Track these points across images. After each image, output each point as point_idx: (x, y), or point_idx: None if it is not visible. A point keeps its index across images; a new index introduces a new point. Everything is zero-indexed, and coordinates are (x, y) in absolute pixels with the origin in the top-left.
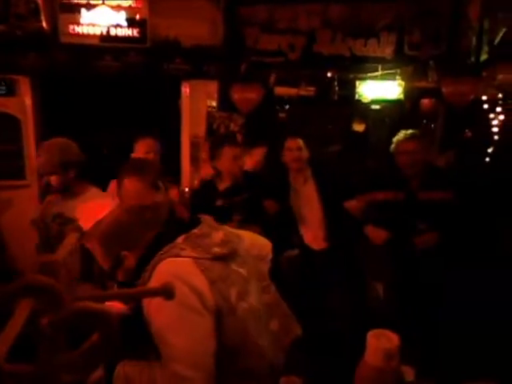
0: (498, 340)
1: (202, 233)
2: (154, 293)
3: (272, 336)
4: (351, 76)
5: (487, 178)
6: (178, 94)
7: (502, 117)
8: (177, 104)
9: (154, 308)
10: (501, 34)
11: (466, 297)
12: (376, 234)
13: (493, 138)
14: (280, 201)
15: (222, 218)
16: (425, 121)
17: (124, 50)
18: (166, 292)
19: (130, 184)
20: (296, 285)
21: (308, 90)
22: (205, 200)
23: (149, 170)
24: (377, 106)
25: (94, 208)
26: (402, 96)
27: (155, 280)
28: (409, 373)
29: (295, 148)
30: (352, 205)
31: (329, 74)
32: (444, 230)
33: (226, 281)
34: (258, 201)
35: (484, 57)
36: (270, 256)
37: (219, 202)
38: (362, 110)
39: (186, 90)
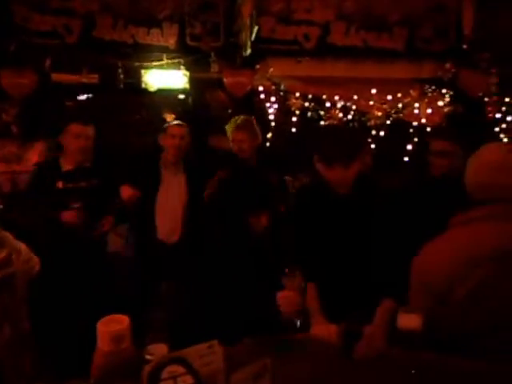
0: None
1: None
2: None
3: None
4: (136, 64)
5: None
6: None
7: (276, 106)
8: None
9: None
10: (255, 32)
11: None
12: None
13: (270, 124)
14: (143, 189)
15: (60, 203)
16: (230, 111)
17: None
18: None
19: None
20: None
21: (91, 78)
22: (45, 181)
23: None
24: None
25: None
26: (187, 85)
27: None
28: (162, 349)
29: (178, 135)
30: (206, 194)
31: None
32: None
33: None
34: (109, 188)
35: (249, 51)
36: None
37: (60, 185)
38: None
39: None
